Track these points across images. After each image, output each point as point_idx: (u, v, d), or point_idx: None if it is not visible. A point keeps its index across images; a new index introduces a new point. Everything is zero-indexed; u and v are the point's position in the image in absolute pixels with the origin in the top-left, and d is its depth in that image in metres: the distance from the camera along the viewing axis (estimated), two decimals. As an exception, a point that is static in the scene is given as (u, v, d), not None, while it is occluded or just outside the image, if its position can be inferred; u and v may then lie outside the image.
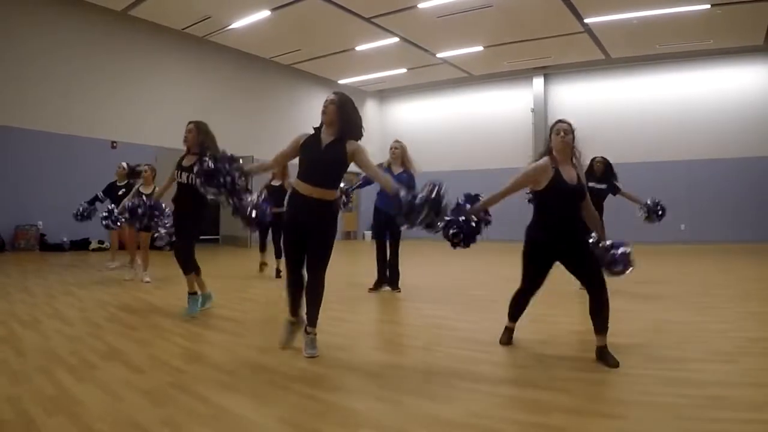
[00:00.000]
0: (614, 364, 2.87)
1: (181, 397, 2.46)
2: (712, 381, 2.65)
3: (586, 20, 11.27)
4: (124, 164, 7.15)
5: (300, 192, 3.12)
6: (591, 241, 3.09)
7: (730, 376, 2.74)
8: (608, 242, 3.06)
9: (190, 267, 4.21)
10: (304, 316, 3.23)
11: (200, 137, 4.13)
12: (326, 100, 3.14)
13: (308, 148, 3.14)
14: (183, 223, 4.24)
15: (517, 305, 3.38)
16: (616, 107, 14.17)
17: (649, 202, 5.90)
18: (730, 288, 6.09)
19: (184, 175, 4.10)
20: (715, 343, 3.43)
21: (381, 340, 3.91)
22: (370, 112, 18.16)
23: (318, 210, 3.09)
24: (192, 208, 4.16)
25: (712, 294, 5.62)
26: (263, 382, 2.72)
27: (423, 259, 9.97)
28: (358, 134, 3.17)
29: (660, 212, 5.89)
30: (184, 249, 4.20)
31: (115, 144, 11.01)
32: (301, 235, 3.13)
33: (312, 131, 3.21)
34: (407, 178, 5.57)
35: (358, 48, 13.35)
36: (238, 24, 11.79)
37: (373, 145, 15.96)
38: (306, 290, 3.18)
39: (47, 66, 10.08)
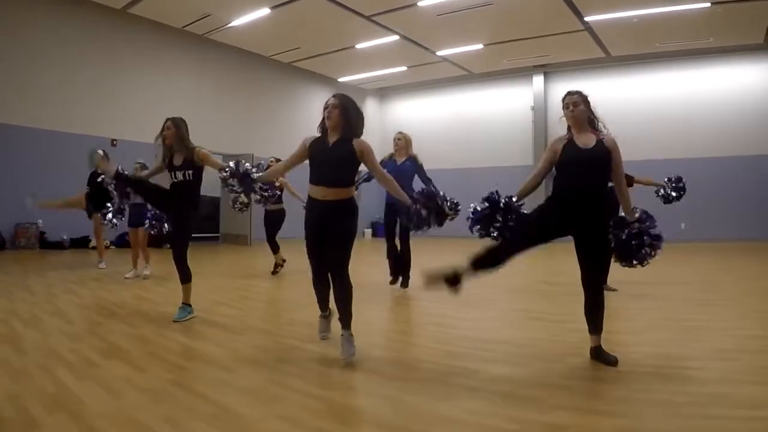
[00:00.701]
0: (613, 362, 2.87)
1: (181, 394, 2.46)
2: (712, 379, 2.65)
3: (586, 18, 11.25)
4: (101, 151, 7.33)
5: (316, 197, 3.09)
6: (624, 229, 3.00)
7: (731, 374, 2.74)
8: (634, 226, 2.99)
9: (185, 274, 4.12)
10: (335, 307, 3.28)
11: (179, 132, 4.09)
12: (328, 104, 3.06)
13: (316, 149, 3.12)
14: (175, 226, 4.21)
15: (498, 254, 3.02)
16: (616, 106, 14.11)
17: (667, 180, 6.06)
18: (730, 286, 6.09)
19: (179, 174, 4.05)
20: (716, 341, 3.43)
21: (382, 337, 3.91)
22: (370, 110, 18.13)
23: (337, 210, 3.06)
24: (185, 209, 4.12)
25: (713, 292, 5.62)
26: (263, 379, 2.73)
27: (424, 257, 9.94)
28: (360, 132, 3.15)
29: (681, 189, 6.12)
30: (177, 254, 4.11)
31: (115, 142, 11.00)
32: (322, 236, 3.11)
33: (317, 134, 3.19)
34: (411, 166, 5.51)
35: (358, 46, 13.32)
36: (238, 22, 11.76)
37: (373, 144, 16.03)
38: (334, 295, 3.15)
39: (47, 64, 10.05)
